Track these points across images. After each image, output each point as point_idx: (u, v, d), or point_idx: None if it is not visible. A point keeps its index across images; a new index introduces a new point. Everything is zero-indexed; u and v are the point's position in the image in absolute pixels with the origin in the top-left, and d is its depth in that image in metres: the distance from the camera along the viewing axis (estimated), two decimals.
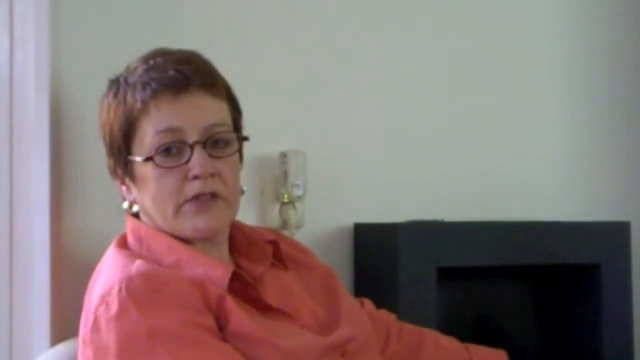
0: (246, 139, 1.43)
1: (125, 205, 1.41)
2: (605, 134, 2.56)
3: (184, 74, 1.34)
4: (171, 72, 1.34)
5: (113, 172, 1.42)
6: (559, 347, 2.38)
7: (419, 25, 2.28)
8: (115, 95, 1.38)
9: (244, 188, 1.44)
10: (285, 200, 2.02)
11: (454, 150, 2.29)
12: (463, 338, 1.70)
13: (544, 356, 2.39)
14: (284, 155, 2.01)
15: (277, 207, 2.03)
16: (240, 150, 1.42)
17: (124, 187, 1.41)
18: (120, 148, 1.37)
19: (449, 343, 1.67)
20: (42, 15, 1.74)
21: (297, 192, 2.00)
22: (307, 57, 2.11)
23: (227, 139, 1.38)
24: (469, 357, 1.64)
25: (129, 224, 1.40)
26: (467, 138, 2.32)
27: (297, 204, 2.03)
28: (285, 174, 2.01)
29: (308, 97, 2.11)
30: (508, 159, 2.38)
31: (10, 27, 1.76)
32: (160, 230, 1.37)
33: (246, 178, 1.95)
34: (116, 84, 1.39)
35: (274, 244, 1.48)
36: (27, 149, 1.74)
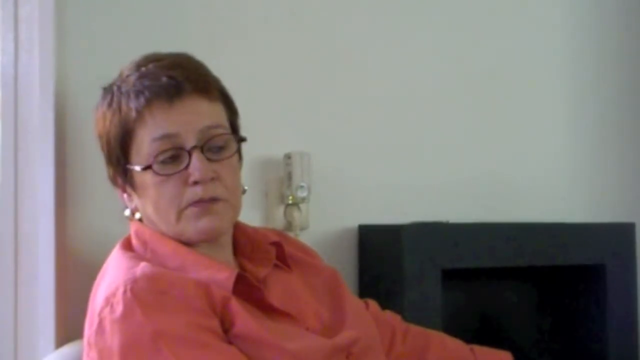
0: (243, 139, 1.42)
1: (127, 212, 1.40)
2: (610, 136, 2.56)
3: (176, 80, 1.33)
4: (163, 79, 1.33)
5: (113, 181, 1.41)
6: (563, 349, 2.37)
7: (424, 29, 2.28)
8: (110, 104, 1.37)
9: (245, 187, 1.43)
10: (290, 201, 2.02)
11: (458, 152, 2.29)
12: (467, 339, 1.69)
13: (549, 357, 2.39)
14: (288, 156, 2.01)
15: (281, 208, 2.04)
16: (239, 151, 1.41)
17: (125, 195, 1.40)
18: (119, 157, 1.36)
19: (454, 344, 1.66)
20: (47, 17, 1.74)
21: (302, 193, 2.00)
22: (311, 59, 2.11)
23: (224, 142, 1.36)
24: (474, 358, 1.64)
25: (133, 227, 1.39)
26: (471, 140, 2.32)
27: (302, 206, 2.03)
28: (289, 175, 2.01)
29: (312, 99, 2.11)
30: (512, 160, 2.38)
31: (15, 30, 1.77)
32: (165, 234, 1.36)
33: (251, 179, 1.95)
34: (110, 93, 1.38)
35: (278, 245, 1.48)
36: (31, 150, 1.74)
